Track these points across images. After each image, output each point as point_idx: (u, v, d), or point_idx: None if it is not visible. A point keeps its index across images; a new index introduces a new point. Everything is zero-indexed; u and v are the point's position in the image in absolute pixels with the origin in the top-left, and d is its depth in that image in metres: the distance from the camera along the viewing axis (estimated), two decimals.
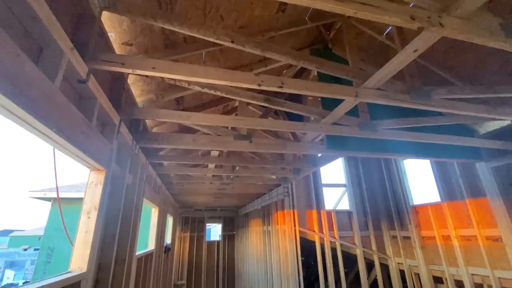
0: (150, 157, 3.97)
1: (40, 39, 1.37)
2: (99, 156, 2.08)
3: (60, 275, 1.76)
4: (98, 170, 2.22)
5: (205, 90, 2.78)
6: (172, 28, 2.09)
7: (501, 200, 4.20)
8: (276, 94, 3.77)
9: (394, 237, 6.78)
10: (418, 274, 6.02)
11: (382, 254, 6.78)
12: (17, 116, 1.22)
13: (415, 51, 1.94)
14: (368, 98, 2.53)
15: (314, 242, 6.59)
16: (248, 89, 2.94)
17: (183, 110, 3.97)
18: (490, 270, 4.46)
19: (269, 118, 4.37)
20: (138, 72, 2.00)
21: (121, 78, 2.50)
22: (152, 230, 5.46)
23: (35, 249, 27.21)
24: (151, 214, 5.58)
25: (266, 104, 3.06)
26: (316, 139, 3.97)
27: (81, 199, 2.17)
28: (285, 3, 2.88)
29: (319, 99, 3.69)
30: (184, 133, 4.29)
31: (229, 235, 13.29)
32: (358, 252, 6.62)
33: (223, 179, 6.02)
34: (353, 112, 3.07)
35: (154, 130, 4.12)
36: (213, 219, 13.64)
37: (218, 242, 13.10)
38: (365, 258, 6.61)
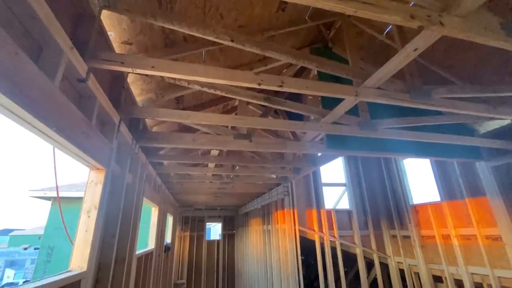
0: (150, 156, 3.97)
1: (39, 38, 1.37)
2: (99, 155, 2.08)
3: (60, 274, 1.76)
4: (98, 169, 2.22)
5: (205, 89, 2.77)
6: (172, 27, 2.09)
7: (501, 199, 4.20)
8: (276, 93, 3.78)
9: (394, 236, 6.78)
10: (418, 273, 6.03)
11: (382, 253, 6.79)
12: (17, 115, 1.22)
13: (415, 50, 1.94)
14: (368, 97, 2.53)
15: (314, 241, 6.60)
16: (248, 88, 2.94)
17: (183, 109, 3.97)
18: (489, 269, 4.46)
19: (269, 117, 4.36)
20: (138, 71, 2.00)
21: (121, 77, 2.50)
22: (152, 229, 5.46)
23: (35, 248, 27.25)
24: (151, 213, 5.58)
25: (266, 103, 3.06)
26: (316, 138, 3.97)
27: (81, 198, 2.17)
28: (285, 2, 2.87)
29: (319, 98, 3.69)
30: (184, 132, 4.29)
31: (229, 235, 13.31)
32: (358, 251, 6.63)
33: (223, 178, 6.02)
34: (353, 111, 3.07)
35: (154, 129, 4.12)
36: (213, 218, 13.66)
37: (218, 241, 13.12)
38: (365, 257, 6.62)
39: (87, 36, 1.75)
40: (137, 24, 2.33)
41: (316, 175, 7.29)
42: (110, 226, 2.52)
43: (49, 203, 9.17)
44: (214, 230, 22.76)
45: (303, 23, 3.34)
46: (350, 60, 2.98)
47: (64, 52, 1.46)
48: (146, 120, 3.54)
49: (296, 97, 4.40)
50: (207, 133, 3.70)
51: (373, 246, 6.84)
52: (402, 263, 6.40)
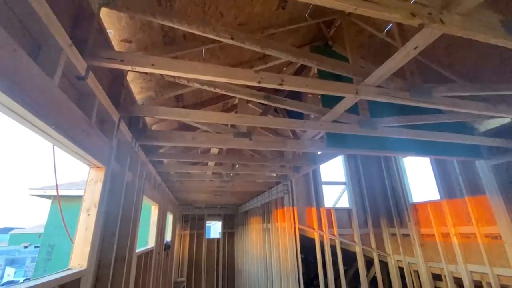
0: (150, 154, 3.97)
1: (38, 35, 1.37)
2: (99, 153, 2.08)
3: (60, 272, 1.77)
4: (98, 167, 2.21)
5: (205, 87, 2.77)
6: (171, 25, 2.08)
7: (501, 198, 4.21)
8: (276, 91, 3.76)
9: (394, 234, 6.80)
10: (417, 271, 6.05)
11: (381, 252, 6.81)
12: (16, 113, 1.22)
13: (415, 48, 1.93)
14: (368, 96, 2.53)
15: (313, 240, 6.61)
16: (248, 87, 2.93)
17: (183, 107, 3.96)
18: (489, 267, 4.48)
19: (269, 115, 4.36)
20: (138, 69, 2.00)
21: (120, 75, 2.50)
22: (152, 227, 5.47)
23: (35, 247, 27.31)
24: (151, 211, 5.59)
25: (266, 102, 3.05)
26: (316, 136, 3.97)
27: (81, 196, 2.17)
28: (285, 0, 2.86)
29: (319, 96, 3.68)
30: (184, 130, 4.28)
31: (229, 233, 13.33)
32: (358, 249, 6.65)
33: (223, 176, 6.02)
34: (353, 109, 3.06)
35: (154, 127, 4.12)
36: (213, 217, 13.67)
37: (218, 239, 13.14)
38: (364, 255, 6.64)
39: (86, 34, 1.75)
40: (136, 22, 2.32)
41: (316, 174, 7.30)
42: (110, 225, 2.52)
43: (49, 201, 9.19)
44: (214, 229, 22.81)
45: (303, 21, 3.33)
46: (350, 58, 2.97)
47: (63, 49, 1.46)
48: (146, 118, 3.54)
49: (296, 96, 4.40)
50: (207, 131, 3.69)
51: (373, 244, 6.86)
52: (401, 261, 6.42)
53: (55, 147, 1.73)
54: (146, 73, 2.64)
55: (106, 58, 1.86)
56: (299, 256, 6.12)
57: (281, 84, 2.31)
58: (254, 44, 2.30)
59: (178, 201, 10.54)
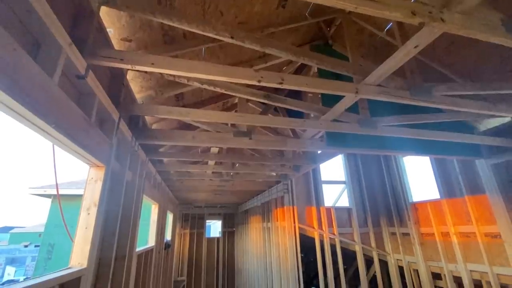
0: (150, 153, 3.97)
1: (38, 34, 1.36)
2: (99, 152, 2.07)
3: (61, 271, 1.77)
4: (98, 166, 2.21)
5: (205, 86, 2.77)
6: (171, 24, 2.07)
7: (500, 197, 4.21)
8: (276, 90, 3.77)
9: (393, 233, 6.80)
10: (417, 270, 6.06)
11: (381, 251, 6.82)
12: (16, 112, 1.22)
13: (415, 47, 1.93)
14: (368, 95, 2.53)
15: (313, 239, 6.62)
16: (248, 86, 2.93)
17: (183, 106, 3.96)
18: (488, 266, 4.48)
19: (269, 114, 4.36)
20: (137, 68, 1.99)
21: (120, 74, 2.49)
22: (152, 226, 5.48)
23: (35, 246, 27.33)
24: (151, 210, 5.59)
25: (266, 101, 3.05)
26: (316, 136, 3.97)
27: (81, 195, 2.17)
28: None
29: (319, 95, 3.68)
30: (184, 130, 4.28)
31: (229, 232, 13.34)
32: (357, 248, 6.65)
33: (223, 176, 6.03)
34: (353, 108, 3.06)
35: (154, 126, 4.11)
36: (213, 216, 13.68)
37: (218, 238, 13.16)
38: (364, 254, 6.64)
39: (86, 33, 1.74)
40: (136, 21, 2.32)
41: (316, 173, 7.30)
42: (110, 224, 2.52)
43: (49, 200, 9.20)
44: (214, 228, 22.84)
45: (303, 20, 3.33)
46: (350, 57, 2.97)
47: (63, 48, 1.45)
48: (146, 117, 3.53)
49: (296, 95, 4.40)
50: (207, 130, 3.69)
51: (373, 243, 6.86)
52: (401, 260, 6.43)
53: (55, 146, 1.73)
54: (146, 72, 2.63)
55: (106, 57, 1.86)
56: (299, 255, 6.12)
57: (281, 83, 2.31)
58: (254, 43, 2.30)
59: (178, 200, 10.55)
